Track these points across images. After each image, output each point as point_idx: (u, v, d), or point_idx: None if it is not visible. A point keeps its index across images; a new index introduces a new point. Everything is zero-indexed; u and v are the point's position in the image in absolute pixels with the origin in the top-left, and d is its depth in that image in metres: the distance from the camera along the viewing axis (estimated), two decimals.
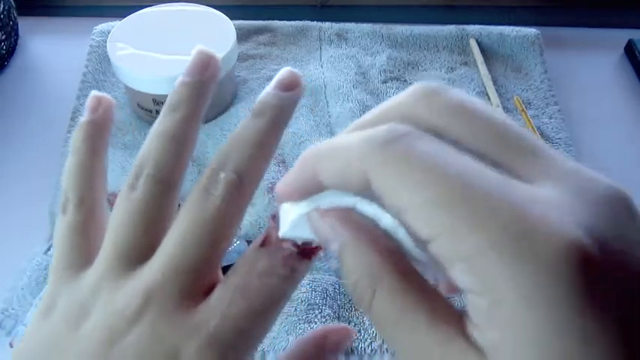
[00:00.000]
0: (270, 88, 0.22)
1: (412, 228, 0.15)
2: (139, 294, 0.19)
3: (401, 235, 0.17)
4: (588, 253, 0.14)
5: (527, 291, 0.13)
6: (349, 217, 0.18)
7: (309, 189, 0.18)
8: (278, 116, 0.22)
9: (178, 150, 0.22)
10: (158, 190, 0.21)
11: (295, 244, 0.20)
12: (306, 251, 0.20)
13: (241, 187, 0.21)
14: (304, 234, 0.19)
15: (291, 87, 0.22)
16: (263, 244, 0.20)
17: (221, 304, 0.19)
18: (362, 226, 0.17)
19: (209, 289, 0.20)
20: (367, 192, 0.16)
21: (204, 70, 0.23)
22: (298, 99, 0.23)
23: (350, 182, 0.17)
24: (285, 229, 0.20)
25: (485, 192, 0.14)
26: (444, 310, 0.16)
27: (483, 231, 0.14)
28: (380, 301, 0.16)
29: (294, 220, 0.19)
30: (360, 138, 0.16)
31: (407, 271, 0.17)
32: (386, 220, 0.17)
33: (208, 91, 0.23)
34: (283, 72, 0.23)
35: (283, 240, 0.20)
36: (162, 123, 0.22)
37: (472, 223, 0.14)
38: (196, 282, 0.20)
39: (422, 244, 0.16)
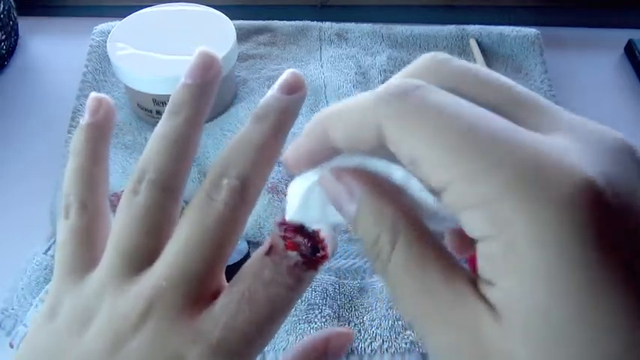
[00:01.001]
0: (272, 91, 0.22)
1: (426, 178, 0.16)
2: (142, 300, 0.19)
3: (413, 187, 0.17)
4: (601, 193, 0.14)
5: (540, 231, 0.14)
6: (363, 174, 0.18)
7: (320, 153, 0.18)
8: (281, 120, 0.22)
9: (180, 154, 0.22)
10: (160, 196, 0.21)
11: (302, 254, 0.20)
12: (312, 261, 0.20)
13: (244, 193, 0.20)
14: (313, 214, 0.19)
15: (295, 89, 0.22)
16: (269, 252, 0.20)
17: (226, 312, 0.19)
18: (377, 182, 0.18)
19: (213, 295, 0.20)
20: (380, 150, 0.16)
21: (206, 72, 0.23)
22: (302, 102, 0.22)
23: (364, 138, 0.16)
24: (292, 211, 0.20)
25: (498, 137, 0.14)
26: (456, 267, 0.16)
27: (496, 175, 0.14)
28: (398, 255, 0.16)
29: (302, 196, 0.19)
30: (372, 94, 0.16)
31: (421, 226, 0.17)
32: (397, 174, 0.17)
33: (211, 94, 0.23)
34: (286, 74, 0.22)
35: (291, 224, 0.20)
36: (164, 126, 0.22)
37: (485, 168, 0.14)
38: (200, 288, 0.20)
39: (434, 195, 0.16)
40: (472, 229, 0.15)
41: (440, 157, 0.15)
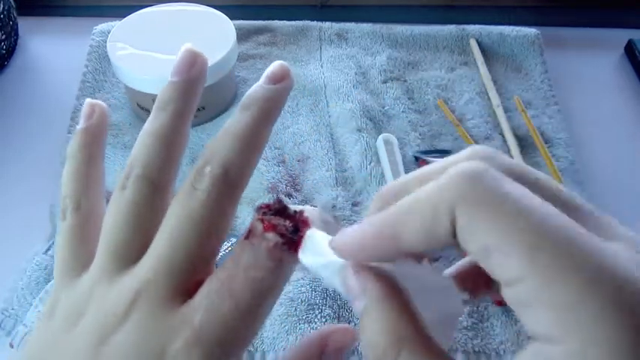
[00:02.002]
0: (259, 82, 0.23)
1: (494, 269, 0.15)
2: (128, 293, 0.19)
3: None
4: None
5: (616, 340, 0.13)
6: (379, 273, 0.18)
7: (388, 254, 0.17)
8: (265, 108, 0.22)
9: (167, 148, 0.22)
10: (147, 190, 0.21)
11: (280, 233, 0.20)
12: (292, 241, 0.20)
13: (227, 181, 0.20)
14: (328, 279, 0.19)
15: (279, 79, 0.22)
16: (247, 236, 0.20)
17: (206, 301, 0.19)
18: (392, 286, 0.17)
19: (200, 285, 0.20)
20: (451, 243, 0.16)
21: (190, 69, 0.23)
22: (287, 91, 0.23)
23: (438, 232, 0.16)
24: (311, 263, 0.19)
25: (574, 238, 0.14)
26: None
27: (574, 279, 0.14)
28: None
29: (325, 265, 0.19)
30: (445, 176, 0.16)
31: (426, 334, 0.17)
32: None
33: (196, 89, 0.23)
34: (272, 65, 0.23)
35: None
36: (151, 123, 0.23)
37: (562, 270, 0.14)
38: (187, 279, 0.20)
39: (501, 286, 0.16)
40: (536, 327, 0.15)
41: (514, 251, 0.14)
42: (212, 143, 0.21)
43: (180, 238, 0.20)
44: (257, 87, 0.22)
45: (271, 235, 0.19)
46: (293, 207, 0.21)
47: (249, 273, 0.19)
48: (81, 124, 0.25)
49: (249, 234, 0.20)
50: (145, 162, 0.22)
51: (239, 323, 0.19)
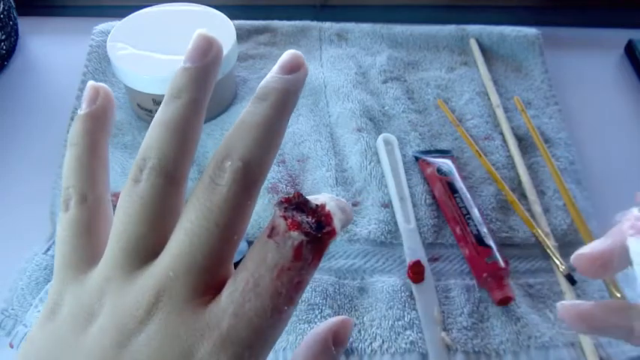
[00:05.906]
0: (272, 72, 0.22)
1: None
2: (148, 293, 0.18)
3: None
4: None
5: None
6: None
7: None
8: (282, 99, 0.21)
9: (182, 139, 0.21)
10: (163, 183, 0.20)
11: (305, 231, 0.19)
12: (317, 238, 0.19)
13: (249, 175, 0.20)
14: None
15: (295, 69, 0.22)
16: (270, 234, 0.19)
17: (232, 302, 0.18)
18: None
19: (222, 284, 0.19)
20: None
21: (206, 55, 0.22)
22: (302, 81, 0.22)
23: None
24: None
25: None
26: None
27: None
28: None
29: None
30: None
31: None
32: None
33: (212, 76, 0.22)
34: (285, 55, 0.22)
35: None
36: (164, 112, 0.21)
37: None
38: (208, 277, 0.19)
39: None
40: None
41: None
42: (230, 136, 0.20)
43: (201, 235, 0.19)
44: (271, 77, 0.21)
45: (296, 234, 0.19)
46: (313, 198, 0.20)
47: (275, 273, 0.18)
48: (83, 109, 0.23)
49: (272, 232, 0.19)
50: (159, 153, 0.20)
51: (266, 325, 0.18)
